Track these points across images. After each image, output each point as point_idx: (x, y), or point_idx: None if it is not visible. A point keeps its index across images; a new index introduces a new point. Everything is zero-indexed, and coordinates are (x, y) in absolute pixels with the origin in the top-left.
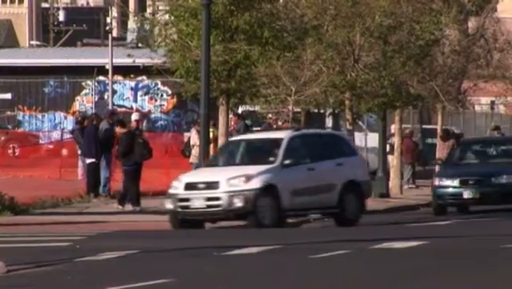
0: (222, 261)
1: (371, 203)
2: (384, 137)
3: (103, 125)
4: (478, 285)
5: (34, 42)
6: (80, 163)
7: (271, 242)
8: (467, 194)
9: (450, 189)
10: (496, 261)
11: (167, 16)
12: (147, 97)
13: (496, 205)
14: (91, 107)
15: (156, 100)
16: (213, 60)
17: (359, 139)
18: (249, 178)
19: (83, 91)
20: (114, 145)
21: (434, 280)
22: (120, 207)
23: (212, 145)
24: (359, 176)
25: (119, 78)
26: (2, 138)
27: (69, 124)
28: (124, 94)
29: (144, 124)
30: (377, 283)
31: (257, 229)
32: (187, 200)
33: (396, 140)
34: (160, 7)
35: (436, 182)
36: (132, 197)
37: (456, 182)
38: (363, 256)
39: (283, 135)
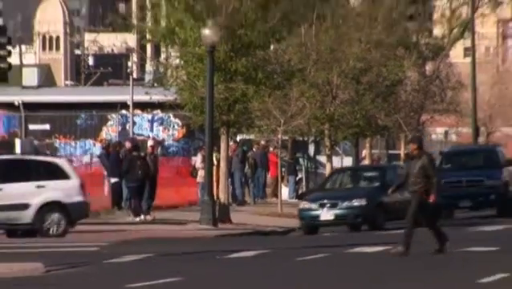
0: (224, 263)
1: None
2: (357, 160)
3: (125, 151)
4: (438, 285)
5: (68, 82)
6: (106, 182)
7: (264, 247)
8: (323, 216)
9: (311, 212)
10: (445, 263)
11: (178, 61)
12: (161, 127)
13: (350, 226)
14: (115, 136)
15: (168, 130)
16: (215, 97)
17: (336, 162)
18: None
19: (109, 123)
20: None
21: (398, 282)
22: (137, 218)
23: (215, 167)
24: (65, 197)
25: (138, 112)
26: None
27: (97, 150)
28: (143, 125)
29: (159, 149)
30: (355, 282)
31: (251, 236)
32: None
33: (366, 162)
34: (172, 53)
35: (301, 205)
36: (134, 208)
37: (315, 205)
38: (340, 259)
39: None
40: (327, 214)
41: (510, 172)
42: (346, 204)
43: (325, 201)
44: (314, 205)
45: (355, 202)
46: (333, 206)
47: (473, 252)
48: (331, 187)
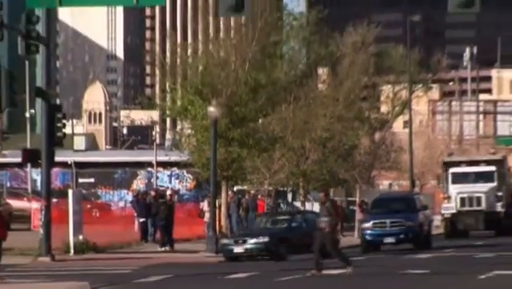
0: (224, 282)
1: None
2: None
3: (150, 198)
4: None
5: (108, 147)
6: (136, 221)
7: (252, 270)
8: (236, 250)
9: (228, 246)
10: (401, 282)
11: (189, 130)
12: (177, 180)
13: (260, 258)
14: (143, 187)
15: (183, 182)
16: (218, 158)
17: (308, 206)
18: None
19: (138, 177)
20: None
21: None
22: (160, 249)
23: (217, 210)
24: None
25: (160, 169)
26: (88, 206)
27: (129, 197)
28: (163, 179)
29: (176, 197)
30: None
31: (244, 262)
32: None
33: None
34: (186, 125)
35: (221, 241)
36: (162, 241)
37: (231, 241)
38: (312, 279)
39: None
40: (238, 248)
41: (425, 214)
42: (253, 240)
43: (239, 238)
44: (230, 241)
45: (260, 239)
46: (244, 242)
47: (410, 274)
48: (257, 227)
